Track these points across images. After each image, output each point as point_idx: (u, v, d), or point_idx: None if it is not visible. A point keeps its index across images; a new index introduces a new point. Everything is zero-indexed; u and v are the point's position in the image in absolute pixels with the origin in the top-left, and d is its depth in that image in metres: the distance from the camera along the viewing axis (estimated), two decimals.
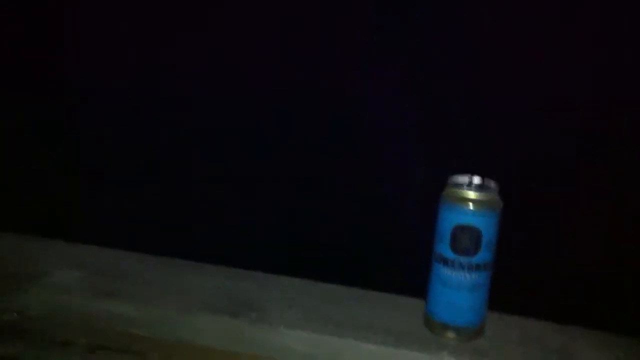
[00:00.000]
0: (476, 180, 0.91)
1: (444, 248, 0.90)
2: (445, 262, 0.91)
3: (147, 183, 1.71)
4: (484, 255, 0.90)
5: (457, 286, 0.92)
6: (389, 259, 1.55)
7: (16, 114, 1.81)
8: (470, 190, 0.90)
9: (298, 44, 1.74)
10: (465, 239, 0.91)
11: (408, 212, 1.62)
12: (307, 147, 1.76)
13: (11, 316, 0.90)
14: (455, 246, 0.91)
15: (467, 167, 1.83)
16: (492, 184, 0.92)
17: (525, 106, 1.71)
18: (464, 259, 0.91)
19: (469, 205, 0.90)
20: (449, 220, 0.91)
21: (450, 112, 1.72)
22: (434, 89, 1.72)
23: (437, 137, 1.72)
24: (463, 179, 0.92)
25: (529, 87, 1.70)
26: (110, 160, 1.81)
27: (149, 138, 1.79)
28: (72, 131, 1.82)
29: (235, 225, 1.68)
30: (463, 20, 1.70)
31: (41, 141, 1.81)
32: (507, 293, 1.43)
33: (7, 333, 0.90)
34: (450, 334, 0.92)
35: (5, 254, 0.97)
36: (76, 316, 0.89)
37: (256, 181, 1.73)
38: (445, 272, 0.92)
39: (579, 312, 1.24)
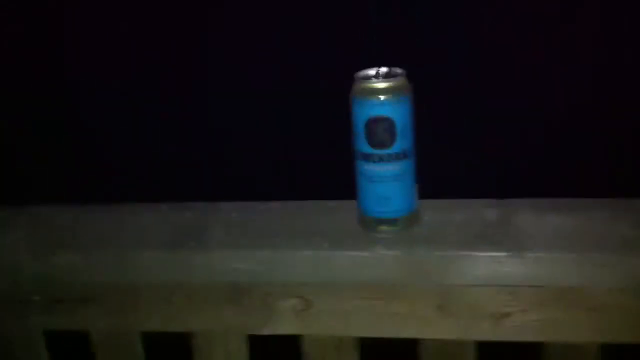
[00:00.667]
0: (381, 70, 0.89)
1: (361, 144, 0.89)
2: (365, 157, 0.89)
3: (147, 183, 1.71)
4: (401, 143, 0.88)
5: (381, 179, 0.90)
6: None
7: (16, 114, 1.81)
8: (376, 80, 0.88)
9: (298, 44, 1.74)
10: (379, 131, 0.89)
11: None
12: (307, 147, 1.76)
13: None
14: (370, 140, 0.89)
15: (467, 167, 1.84)
16: (398, 71, 0.90)
17: (525, 106, 1.71)
18: (382, 151, 0.89)
19: (376, 96, 0.87)
20: (360, 115, 0.88)
21: (450, 112, 1.72)
22: (434, 89, 1.72)
23: (437, 137, 1.72)
24: (368, 71, 0.90)
25: (529, 87, 1.71)
26: (110, 160, 1.82)
27: (149, 138, 1.79)
28: (71, 130, 1.82)
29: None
30: (463, 20, 1.71)
31: (41, 140, 1.82)
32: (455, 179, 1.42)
33: None
34: (383, 227, 0.90)
35: None
36: (26, 273, 0.91)
37: (255, 181, 1.73)
38: (367, 167, 0.89)
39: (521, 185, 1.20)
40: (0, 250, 0.93)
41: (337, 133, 1.64)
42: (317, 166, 1.74)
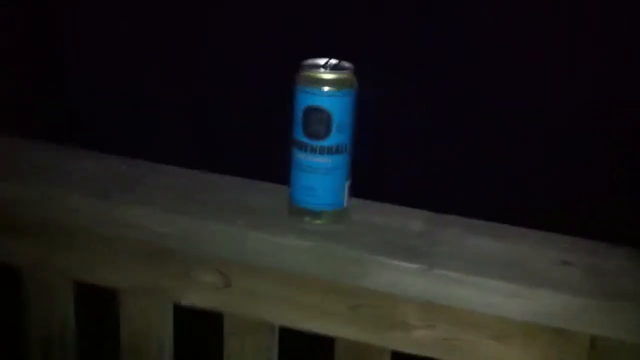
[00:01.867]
0: (327, 61, 0.89)
1: (297, 132, 0.89)
2: (299, 145, 0.90)
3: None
4: (336, 137, 0.88)
5: (311, 170, 0.90)
6: None
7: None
8: (320, 71, 0.88)
9: (298, 44, 1.74)
10: (315, 122, 0.89)
11: None
12: None
13: None
14: (306, 129, 0.90)
15: (469, 171, 1.82)
16: (346, 64, 0.90)
17: (525, 106, 1.71)
18: (315, 142, 0.89)
19: (317, 86, 0.87)
20: (299, 103, 0.88)
21: (450, 112, 1.72)
22: (435, 89, 1.73)
23: (437, 137, 1.72)
24: (315, 60, 0.90)
25: (529, 87, 1.71)
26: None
27: (149, 137, 1.79)
28: (70, 135, 1.82)
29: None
30: (463, 20, 1.70)
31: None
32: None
33: None
34: (307, 218, 0.91)
35: None
36: None
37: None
38: (300, 156, 0.90)
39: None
40: None
41: None
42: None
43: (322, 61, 0.89)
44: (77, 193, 0.90)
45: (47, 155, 0.99)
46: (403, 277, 0.83)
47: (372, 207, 0.94)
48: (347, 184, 0.91)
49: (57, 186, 0.92)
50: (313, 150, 0.89)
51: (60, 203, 0.90)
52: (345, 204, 0.92)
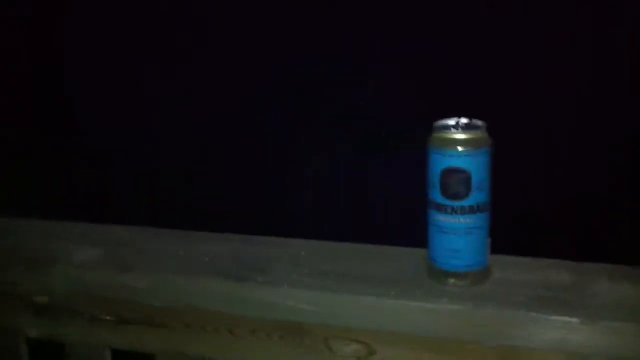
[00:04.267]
0: (461, 121, 0.88)
1: (435, 194, 0.88)
2: (438, 207, 0.88)
3: (156, 173, 1.68)
4: (476, 196, 0.86)
5: (453, 231, 0.88)
6: None
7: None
8: (454, 131, 0.87)
9: (298, 44, 1.74)
10: (454, 182, 0.88)
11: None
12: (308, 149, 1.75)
13: (42, 299, 0.91)
14: (445, 191, 0.88)
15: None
16: (478, 123, 0.89)
17: (524, 106, 1.72)
18: (455, 203, 0.88)
19: (454, 147, 0.86)
20: (436, 165, 0.87)
21: (451, 113, 1.72)
22: (435, 89, 1.73)
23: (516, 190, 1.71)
24: (447, 121, 0.88)
25: (529, 87, 1.72)
26: (116, 151, 1.78)
27: (149, 143, 1.76)
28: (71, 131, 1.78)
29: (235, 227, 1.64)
30: (463, 20, 1.72)
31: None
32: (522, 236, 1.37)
33: (37, 313, 0.91)
34: (452, 280, 0.89)
35: (28, 237, 0.98)
36: (98, 292, 0.91)
37: (255, 184, 1.71)
38: (440, 218, 0.88)
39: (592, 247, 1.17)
40: (75, 267, 0.91)
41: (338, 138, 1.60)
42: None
43: (452, 121, 0.87)
44: (214, 278, 0.88)
45: (169, 242, 0.97)
46: (563, 333, 0.80)
47: (511, 263, 0.91)
48: (488, 242, 0.88)
49: (190, 273, 0.90)
50: (454, 211, 0.87)
51: (199, 289, 0.88)
52: (487, 263, 0.89)
